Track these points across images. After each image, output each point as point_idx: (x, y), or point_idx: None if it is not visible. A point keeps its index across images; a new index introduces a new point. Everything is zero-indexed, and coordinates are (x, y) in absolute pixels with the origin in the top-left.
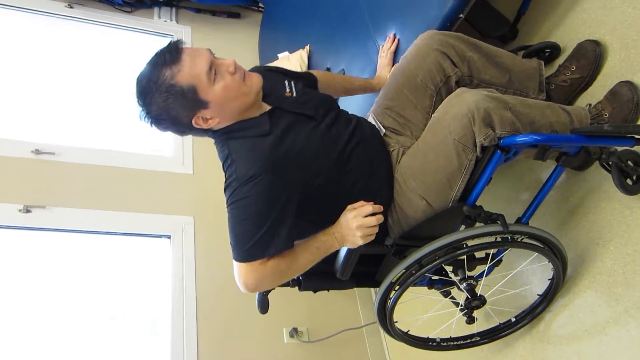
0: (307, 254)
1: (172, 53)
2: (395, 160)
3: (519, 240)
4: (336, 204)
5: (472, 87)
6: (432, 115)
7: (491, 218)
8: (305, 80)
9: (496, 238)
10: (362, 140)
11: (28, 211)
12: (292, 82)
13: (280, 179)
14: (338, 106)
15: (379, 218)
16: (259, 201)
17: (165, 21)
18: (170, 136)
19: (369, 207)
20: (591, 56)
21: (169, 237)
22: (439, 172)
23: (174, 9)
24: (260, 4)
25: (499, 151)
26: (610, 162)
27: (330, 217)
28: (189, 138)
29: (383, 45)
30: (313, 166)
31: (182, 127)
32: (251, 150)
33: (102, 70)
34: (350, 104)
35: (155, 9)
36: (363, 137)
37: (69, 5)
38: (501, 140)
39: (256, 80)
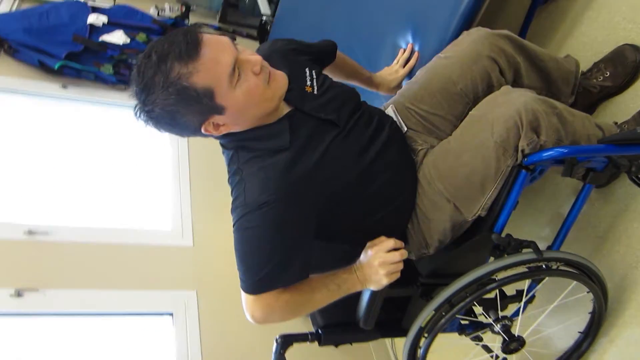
0: (326, 291)
1: (190, 45)
2: (419, 160)
3: (554, 268)
4: (361, 215)
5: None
6: (470, 112)
7: (522, 245)
8: (323, 57)
9: (530, 267)
10: (385, 144)
11: (20, 295)
12: (314, 71)
13: (295, 205)
14: (360, 102)
15: (403, 253)
16: (271, 232)
17: None
18: (169, 209)
19: (390, 242)
20: (630, 66)
21: (171, 314)
22: (474, 175)
23: None
24: None
25: (523, 170)
26: None
27: (355, 230)
28: (187, 209)
29: (402, 53)
30: (334, 182)
31: (188, 132)
32: (264, 170)
33: (96, 147)
34: None
35: None
36: (386, 140)
37: (63, 85)
38: (525, 159)
39: (281, 82)
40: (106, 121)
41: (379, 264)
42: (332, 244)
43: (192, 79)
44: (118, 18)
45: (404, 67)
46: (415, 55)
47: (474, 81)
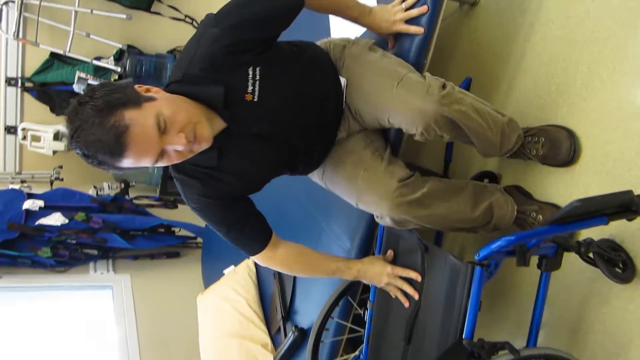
0: (323, 269)
1: (114, 149)
2: (335, 143)
3: None
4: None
5: None
6: (362, 174)
7: (497, 347)
8: (278, 28)
9: None
10: (319, 129)
11: None
12: (257, 69)
13: (215, 207)
14: (305, 88)
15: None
16: (211, 223)
17: (102, 273)
18: None
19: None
20: (561, 160)
21: None
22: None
23: (110, 260)
24: (198, 238)
25: (478, 267)
26: (592, 254)
27: None
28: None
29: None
30: (255, 180)
31: None
32: (195, 184)
33: (35, 334)
34: None
35: (91, 264)
36: (322, 124)
37: None
38: (477, 255)
39: (205, 142)
40: (45, 306)
41: (386, 282)
42: None
43: (118, 164)
44: (55, 201)
45: (405, 12)
46: (423, 8)
47: (401, 126)
